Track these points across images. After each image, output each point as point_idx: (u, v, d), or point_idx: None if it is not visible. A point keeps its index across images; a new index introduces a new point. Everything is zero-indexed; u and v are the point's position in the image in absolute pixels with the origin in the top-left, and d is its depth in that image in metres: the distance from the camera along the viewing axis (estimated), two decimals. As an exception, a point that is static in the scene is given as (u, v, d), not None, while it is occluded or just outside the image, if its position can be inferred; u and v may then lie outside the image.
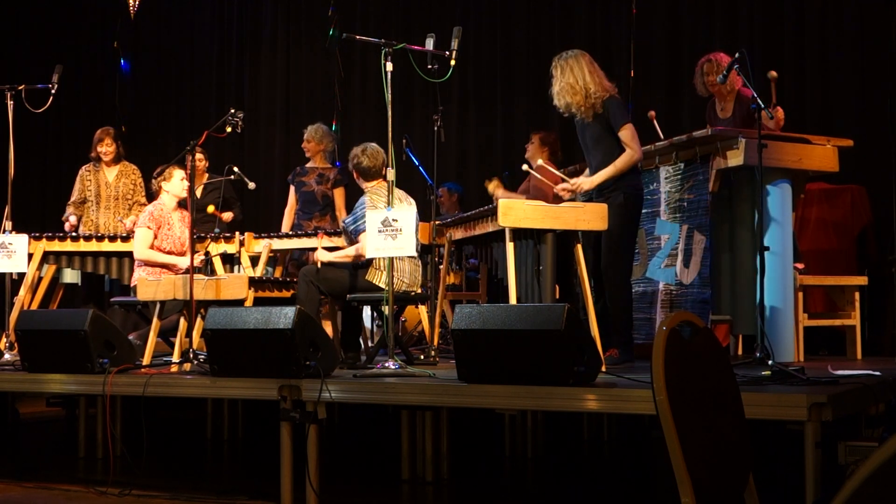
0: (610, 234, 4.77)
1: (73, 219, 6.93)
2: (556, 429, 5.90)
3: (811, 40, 7.21)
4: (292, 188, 7.02)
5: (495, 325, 3.77)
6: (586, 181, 4.90)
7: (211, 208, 6.68)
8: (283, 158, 9.22)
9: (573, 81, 4.86)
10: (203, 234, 6.42)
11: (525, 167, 5.63)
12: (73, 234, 6.40)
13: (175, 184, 5.97)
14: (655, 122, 6.08)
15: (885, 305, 6.32)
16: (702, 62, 5.64)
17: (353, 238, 5.47)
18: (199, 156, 7.18)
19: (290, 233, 6.65)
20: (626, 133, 4.83)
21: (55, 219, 8.10)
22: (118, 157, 7.04)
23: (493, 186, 6.73)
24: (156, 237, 5.88)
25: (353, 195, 7.66)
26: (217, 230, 6.51)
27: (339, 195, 6.93)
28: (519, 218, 4.48)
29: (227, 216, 6.97)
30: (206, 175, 7.16)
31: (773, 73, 5.37)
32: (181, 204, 6.03)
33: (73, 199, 7.01)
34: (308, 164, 7.08)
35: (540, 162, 5.79)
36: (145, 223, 5.88)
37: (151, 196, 6.77)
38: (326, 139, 7.05)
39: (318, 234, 6.41)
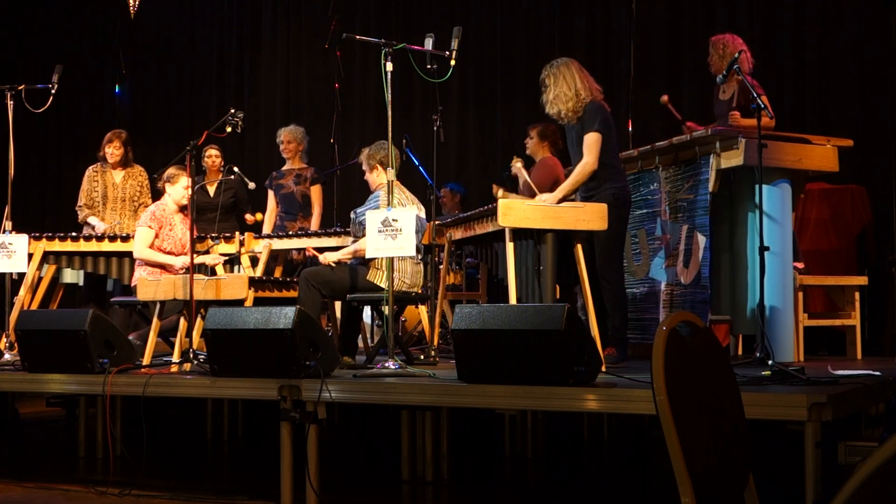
0: (601, 236, 4.79)
1: (94, 220, 6.83)
2: (556, 429, 5.90)
3: (811, 40, 7.21)
4: (271, 192, 7.04)
5: (495, 325, 3.77)
6: (548, 197, 4.88)
7: (259, 216, 6.85)
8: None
9: (566, 89, 4.94)
10: (203, 235, 6.41)
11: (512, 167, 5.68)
12: (73, 234, 6.39)
13: (178, 189, 5.95)
14: (670, 105, 5.85)
15: (885, 305, 6.32)
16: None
17: (359, 229, 5.47)
18: (214, 152, 7.17)
19: (291, 233, 6.65)
20: (589, 139, 4.88)
21: (55, 219, 8.10)
22: (126, 162, 6.97)
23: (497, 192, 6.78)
24: (157, 237, 5.89)
25: (342, 194, 7.70)
26: (215, 235, 6.49)
27: (315, 193, 6.96)
28: (519, 218, 4.48)
29: (251, 219, 6.99)
30: (221, 173, 7.10)
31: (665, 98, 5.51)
32: (182, 208, 6.02)
33: (82, 201, 6.93)
34: (284, 167, 7.10)
35: (520, 166, 5.85)
36: (147, 222, 5.88)
37: (157, 197, 6.78)
38: (305, 139, 7.08)
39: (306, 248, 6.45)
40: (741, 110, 5.37)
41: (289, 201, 6.94)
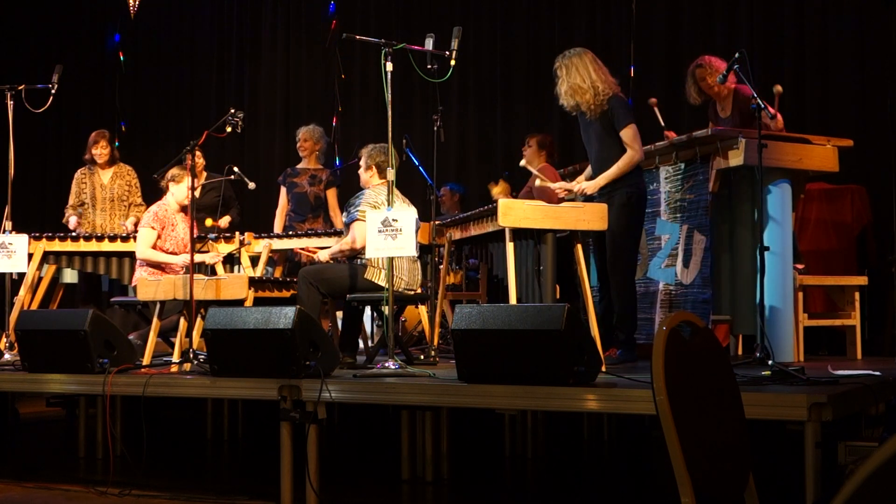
0: (613, 234, 4.79)
1: (73, 220, 6.94)
2: (556, 429, 5.90)
3: (811, 40, 7.21)
4: (283, 189, 7.02)
5: (495, 325, 3.77)
6: (589, 185, 4.91)
7: (209, 221, 6.62)
8: (283, 158, 9.21)
9: (580, 81, 4.88)
10: (203, 235, 6.41)
11: (523, 163, 5.61)
12: (73, 234, 6.40)
13: (182, 189, 5.97)
14: (657, 109, 5.88)
15: (885, 305, 6.32)
16: (692, 68, 5.58)
17: (347, 230, 5.49)
18: (197, 153, 7.16)
19: (291, 233, 6.64)
20: (629, 133, 4.85)
21: (55, 219, 8.08)
22: (112, 160, 7.04)
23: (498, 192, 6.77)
24: (159, 237, 5.89)
25: (345, 196, 7.71)
26: (213, 235, 6.49)
27: (331, 196, 6.94)
28: (519, 218, 4.48)
29: (225, 222, 6.93)
30: (205, 174, 7.12)
31: (779, 88, 5.36)
32: (184, 208, 6.03)
33: (70, 202, 7.02)
34: (300, 165, 7.08)
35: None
36: (149, 223, 5.89)
37: (147, 197, 6.78)
38: (322, 140, 7.06)
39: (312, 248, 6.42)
40: (744, 119, 5.35)
41: (300, 201, 6.91)
